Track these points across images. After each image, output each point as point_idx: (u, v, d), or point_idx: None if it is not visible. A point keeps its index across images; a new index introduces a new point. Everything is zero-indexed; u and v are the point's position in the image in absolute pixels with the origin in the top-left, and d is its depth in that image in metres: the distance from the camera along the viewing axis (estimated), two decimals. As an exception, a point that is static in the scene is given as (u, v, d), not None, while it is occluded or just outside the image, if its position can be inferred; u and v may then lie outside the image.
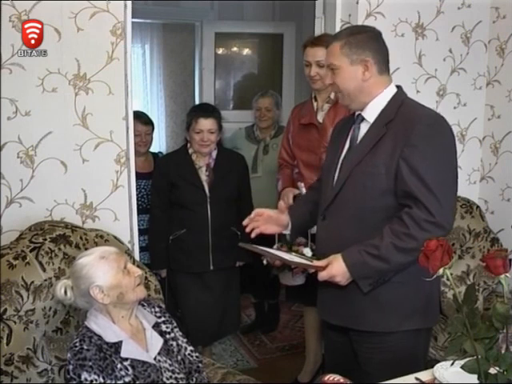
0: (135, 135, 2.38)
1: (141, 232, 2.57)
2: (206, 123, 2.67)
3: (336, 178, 1.82)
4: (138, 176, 2.58)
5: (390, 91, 1.78)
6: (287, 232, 2.02)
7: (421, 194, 1.63)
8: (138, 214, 2.42)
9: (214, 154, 2.75)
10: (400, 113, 1.72)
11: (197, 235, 2.70)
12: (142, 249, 2.63)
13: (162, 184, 2.74)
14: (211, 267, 2.72)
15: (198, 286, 2.74)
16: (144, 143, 3.09)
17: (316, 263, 1.79)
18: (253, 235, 1.97)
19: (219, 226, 2.69)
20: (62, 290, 1.71)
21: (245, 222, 1.99)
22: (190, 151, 2.74)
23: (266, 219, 1.98)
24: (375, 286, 1.73)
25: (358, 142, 1.80)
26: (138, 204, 2.46)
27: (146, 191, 3.02)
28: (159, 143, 5.46)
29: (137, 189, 2.50)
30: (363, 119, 1.79)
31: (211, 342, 2.97)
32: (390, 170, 1.68)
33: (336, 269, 1.71)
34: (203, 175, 2.72)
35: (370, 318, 1.77)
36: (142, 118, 3.07)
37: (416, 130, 1.65)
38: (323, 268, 1.73)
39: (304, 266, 1.93)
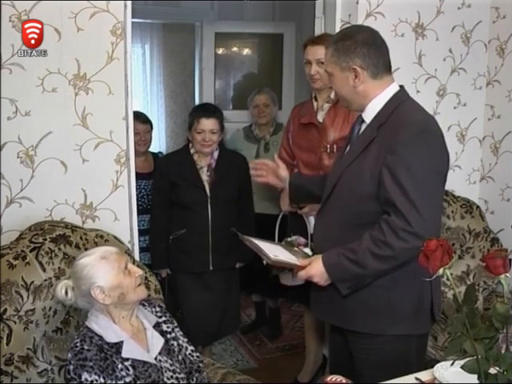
0: (134, 133, 2.37)
1: (141, 232, 2.57)
2: (207, 123, 2.67)
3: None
4: (138, 176, 2.58)
5: (390, 91, 1.73)
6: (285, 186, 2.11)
7: (400, 202, 1.60)
8: (138, 215, 2.42)
9: (216, 154, 2.75)
10: (392, 117, 1.68)
11: (197, 235, 2.69)
12: (142, 249, 2.63)
13: (163, 184, 2.74)
14: (211, 267, 2.72)
15: (198, 286, 2.74)
16: (143, 142, 3.09)
17: (301, 262, 1.79)
18: (259, 180, 2.15)
19: (219, 227, 2.69)
20: (63, 291, 1.71)
21: (253, 166, 2.17)
22: (192, 151, 2.74)
23: (269, 170, 2.11)
24: (354, 290, 1.72)
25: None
26: (138, 204, 2.46)
27: (146, 191, 3.02)
28: (159, 143, 5.46)
29: (137, 189, 2.50)
30: (363, 120, 1.78)
31: (211, 342, 2.97)
32: (374, 175, 1.66)
33: (315, 269, 1.72)
34: (204, 175, 2.72)
35: (358, 319, 1.77)
36: (140, 117, 3.07)
37: (401, 136, 1.61)
38: (303, 268, 1.74)
39: (287, 265, 1.91)
